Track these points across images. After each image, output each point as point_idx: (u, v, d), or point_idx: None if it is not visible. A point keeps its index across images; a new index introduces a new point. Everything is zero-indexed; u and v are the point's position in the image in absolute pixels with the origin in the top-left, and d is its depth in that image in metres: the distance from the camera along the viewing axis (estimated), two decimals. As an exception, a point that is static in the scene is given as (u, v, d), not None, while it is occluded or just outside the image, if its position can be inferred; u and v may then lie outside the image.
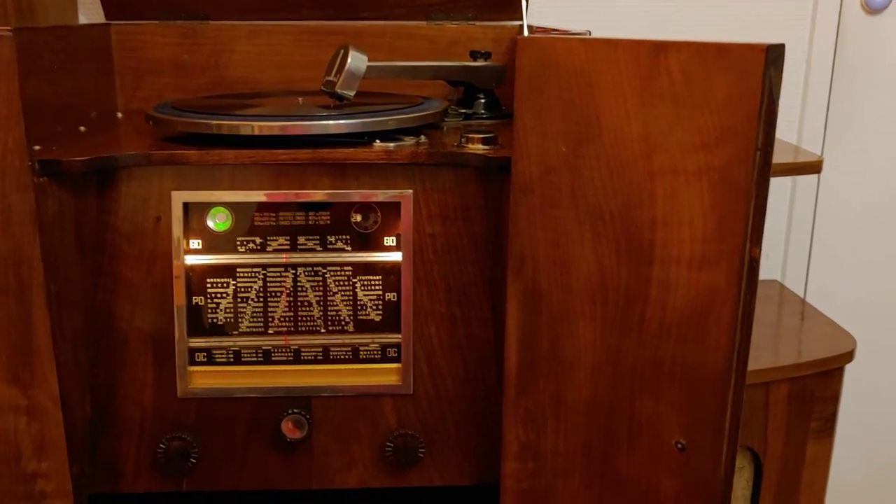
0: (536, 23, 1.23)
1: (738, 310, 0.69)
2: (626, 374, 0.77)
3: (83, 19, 1.26)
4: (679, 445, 0.75)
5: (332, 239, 0.91)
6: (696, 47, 0.66)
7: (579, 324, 0.78)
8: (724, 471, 0.74)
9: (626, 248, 0.74)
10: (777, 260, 1.49)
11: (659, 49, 0.68)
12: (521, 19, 1.18)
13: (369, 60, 0.96)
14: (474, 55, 1.13)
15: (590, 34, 0.94)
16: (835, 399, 1.14)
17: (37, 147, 0.84)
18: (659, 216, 0.72)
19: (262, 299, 0.91)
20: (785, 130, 1.40)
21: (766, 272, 1.49)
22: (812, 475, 1.15)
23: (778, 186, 1.45)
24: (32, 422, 0.82)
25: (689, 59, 0.67)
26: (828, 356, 1.12)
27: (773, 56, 0.63)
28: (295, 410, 0.92)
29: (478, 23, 1.20)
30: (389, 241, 0.91)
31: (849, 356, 1.13)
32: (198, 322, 0.91)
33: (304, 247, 0.91)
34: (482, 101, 1.12)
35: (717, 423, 0.73)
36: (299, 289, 0.91)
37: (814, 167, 1.07)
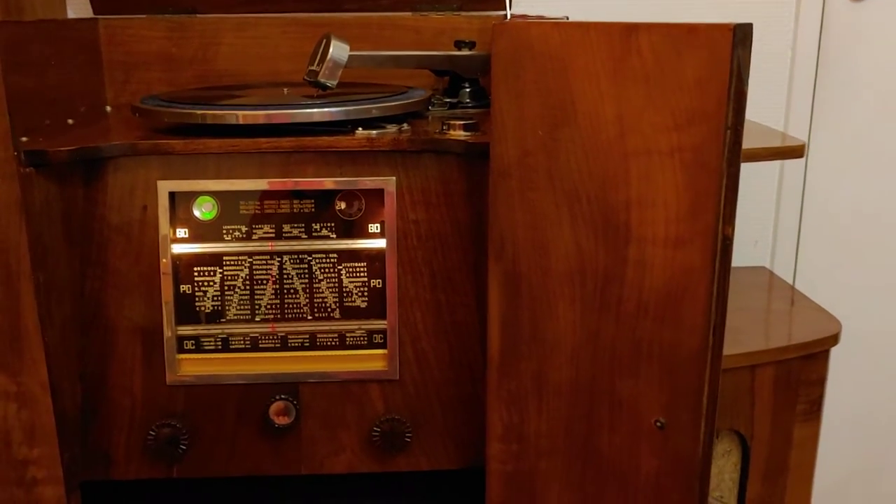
0: (521, 11, 1.24)
1: (712, 288, 0.70)
2: (605, 355, 0.78)
3: (71, 14, 1.27)
4: (658, 424, 0.76)
5: (317, 227, 0.92)
6: (667, 28, 0.67)
7: (559, 305, 0.79)
8: (702, 448, 0.75)
9: (602, 230, 0.75)
10: (766, 247, 1.50)
11: (630, 30, 0.69)
12: (506, 9, 1.19)
13: (354, 51, 0.97)
14: (459, 45, 1.14)
15: (567, 20, 0.95)
16: (821, 382, 1.15)
17: (24, 138, 0.85)
18: (634, 197, 0.73)
19: (248, 287, 0.92)
20: (772, 118, 1.41)
21: (755, 259, 1.50)
22: (800, 457, 1.16)
23: (766, 175, 1.46)
24: (22, 408, 0.83)
25: (659, 40, 0.68)
26: (813, 339, 1.13)
27: (740, 35, 0.64)
28: (283, 397, 0.93)
29: (463, 13, 1.21)
30: (374, 228, 0.92)
31: (834, 339, 1.14)
32: (186, 310, 0.92)
33: (289, 234, 0.92)
34: (467, 90, 1.13)
35: (694, 402, 0.74)
36: (285, 276, 0.92)
37: (796, 151, 1.08)
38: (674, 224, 0.71)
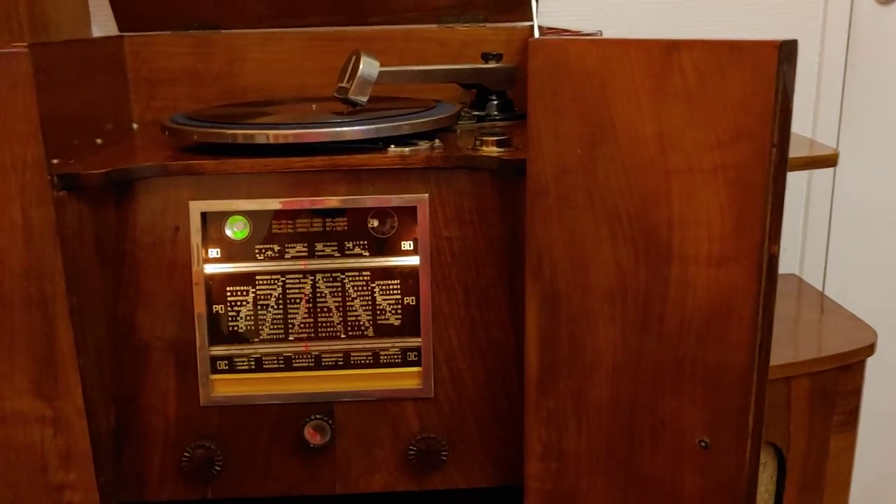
0: (547, 23, 1.23)
1: (758, 307, 0.69)
2: (647, 374, 0.77)
3: (97, 32, 1.27)
4: (703, 444, 0.75)
5: (350, 245, 0.92)
6: (709, 45, 0.66)
7: (599, 324, 0.78)
8: (748, 468, 0.73)
9: (643, 248, 0.74)
10: (795, 254, 1.49)
11: (671, 48, 0.68)
12: (532, 20, 1.18)
13: (380, 65, 0.96)
14: (486, 57, 1.13)
15: (601, 34, 0.94)
16: (857, 392, 1.13)
17: (55, 161, 0.84)
18: (676, 215, 0.72)
19: (281, 306, 0.92)
20: (799, 124, 1.39)
21: (784, 267, 1.48)
22: (836, 469, 1.14)
23: (794, 181, 1.45)
24: (58, 433, 0.82)
25: (701, 57, 0.67)
26: (848, 350, 1.11)
27: (786, 52, 0.63)
28: (317, 416, 0.92)
29: (488, 25, 1.20)
30: (407, 245, 0.92)
31: (870, 349, 1.13)
32: (219, 330, 0.92)
33: (322, 253, 0.91)
34: (495, 102, 1.12)
35: (740, 421, 0.73)
36: (318, 295, 0.92)
37: (829, 160, 1.06)
38: (717, 243, 0.70)
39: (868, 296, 1.46)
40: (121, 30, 1.19)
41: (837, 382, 1.11)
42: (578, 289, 0.78)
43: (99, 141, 1.01)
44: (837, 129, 1.41)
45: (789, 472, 1.12)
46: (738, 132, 0.66)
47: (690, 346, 0.74)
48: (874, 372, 1.29)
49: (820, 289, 1.47)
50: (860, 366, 1.12)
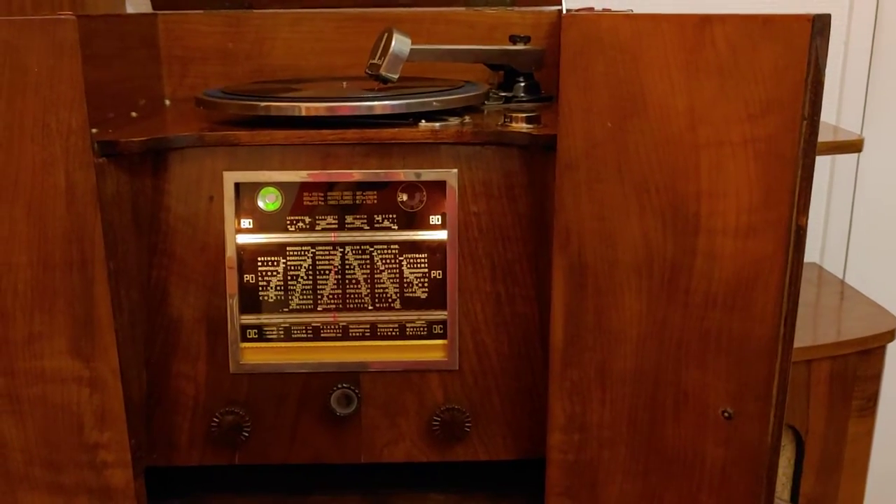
0: (574, 6, 1.24)
1: (784, 278, 0.70)
2: (672, 345, 0.78)
3: (130, 9, 1.29)
4: (726, 414, 0.77)
5: (379, 218, 0.93)
6: (742, 19, 0.67)
7: (625, 296, 0.80)
8: (771, 439, 0.75)
9: (671, 220, 0.75)
10: (816, 243, 1.49)
11: (704, 22, 0.69)
12: (560, 4, 1.20)
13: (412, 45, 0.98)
14: (514, 39, 1.15)
15: (632, 12, 0.95)
16: (877, 378, 1.14)
17: (94, 130, 0.86)
18: (704, 188, 0.73)
19: (311, 277, 0.94)
20: (823, 113, 1.39)
21: (804, 256, 1.49)
22: (854, 454, 1.15)
23: (817, 169, 1.45)
24: (94, 393, 0.84)
25: (734, 31, 0.68)
26: (869, 335, 1.12)
27: (819, 26, 0.64)
28: (344, 385, 0.94)
29: (516, 8, 1.21)
30: (435, 219, 0.93)
31: (890, 335, 1.14)
32: (249, 300, 0.93)
33: (351, 226, 0.93)
34: (522, 84, 1.13)
35: (764, 392, 0.74)
36: (347, 267, 0.94)
37: (854, 146, 1.07)
38: (745, 214, 0.71)
39: (890, 286, 1.46)
40: (155, 8, 1.21)
41: (857, 367, 1.12)
42: (606, 261, 0.80)
43: (134, 114, 1.03)
44: (862, 118, 1.42)
45: (807, 455, 1.14)
46: (769, 105, 0.68)
47: (716, 317, 0.75)
48: (893, 363, 1.30)
49: (841, 278, 1.48)
50: (880, 351, 1.13)
